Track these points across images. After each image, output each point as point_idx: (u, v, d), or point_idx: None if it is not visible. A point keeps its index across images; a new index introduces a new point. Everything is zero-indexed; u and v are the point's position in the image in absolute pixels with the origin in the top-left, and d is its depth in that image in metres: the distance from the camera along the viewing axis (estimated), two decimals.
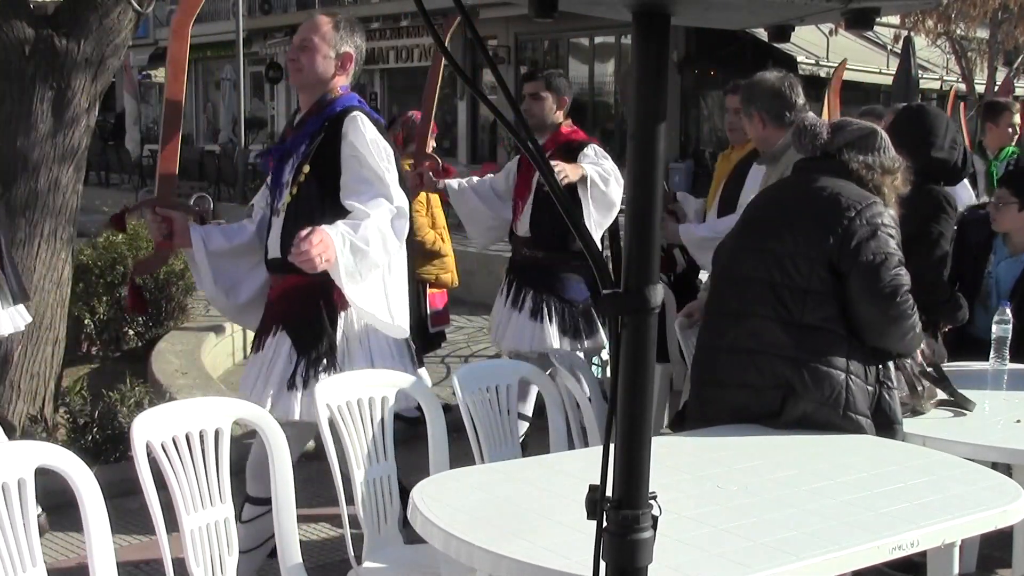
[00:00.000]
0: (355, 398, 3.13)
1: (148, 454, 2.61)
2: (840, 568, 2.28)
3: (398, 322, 3.45)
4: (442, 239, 5.96)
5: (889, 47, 20.07)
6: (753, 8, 1.43)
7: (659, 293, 1.46)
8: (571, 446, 3.58)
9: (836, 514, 2.46)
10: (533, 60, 24.68)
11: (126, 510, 3.97)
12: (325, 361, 3.47)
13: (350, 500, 3.06)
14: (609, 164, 4.70)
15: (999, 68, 18.18)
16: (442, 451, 3.24)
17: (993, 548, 4.05)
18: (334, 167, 3.45)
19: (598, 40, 22.86)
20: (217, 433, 2.77)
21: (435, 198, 5.93)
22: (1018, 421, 3.38)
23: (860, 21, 1.40)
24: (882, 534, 2.35)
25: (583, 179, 4.51)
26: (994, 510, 2.55)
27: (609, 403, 1.51)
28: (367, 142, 3.43)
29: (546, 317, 4.77)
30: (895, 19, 17.84)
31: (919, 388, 3.40)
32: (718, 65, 19.53)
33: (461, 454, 3.36)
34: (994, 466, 3.06)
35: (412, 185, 4.86)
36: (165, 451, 2.65)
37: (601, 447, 1.49)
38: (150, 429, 2.63)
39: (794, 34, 1.55)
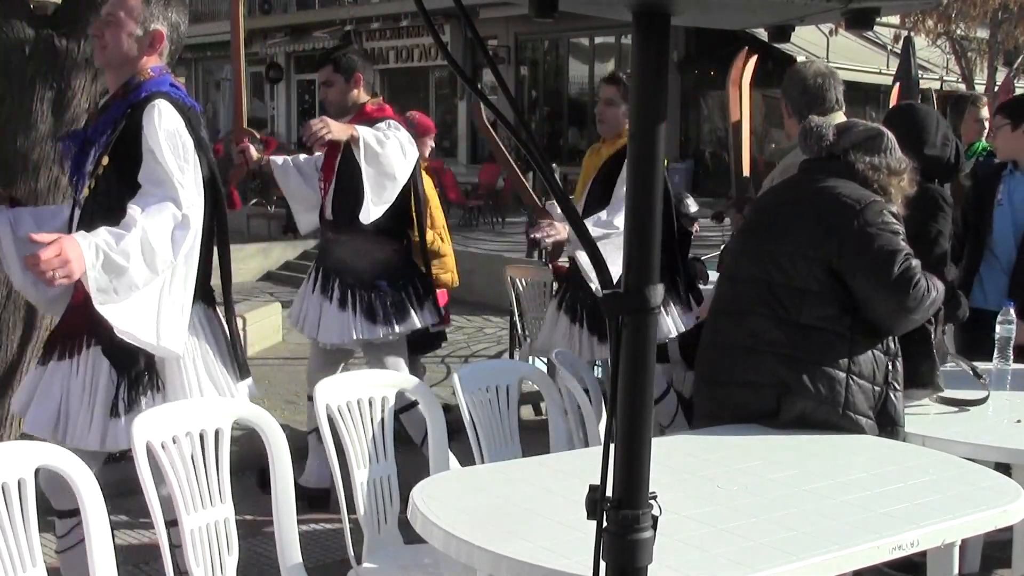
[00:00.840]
0: (355, 398, 3.14)
1: (148, 454, 2.61)
2: (840, 568, 2.28)
3: (165, 343, 3.06)
4: (441, 239, 5.95)
5: (889, 47, 20.06)
6: (753, 8, 1.43)
7: (659, 293, 1.46)
8: (571, 446, 3.58)
9: (836, 514, 2.46)
10: (533, 60, 24.70)
11: (126, 510, 3.97)
12: (147, 379, 3.16)
13: (350, 500, 3.06)
14: (399, 134, 4.47)
15: (999, 68, 18.19)
16: (442, 451, 3.25)
17: (993, 548, 4.05)
18: (135, 160, 3.12)
19: (598, 40, 22.86)
20: (217, 433, 2.77)
21: (433, 198, 5.93)
22: (1019, 421, 3.38)
23: (860, 21, 1.40)
24: (882, 534, 2.35)
25: (355, 140, 4.28)
26: (994, 510, 2.55)
27: (609, 403, 1.51)
28: (163, 135, 3.09)
29: (350, 305, 4.65)
30: (895, 19, 17.85)
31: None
32: (718, 65, 19.52)
33: (461, 454, 3.36)
34: (996, 466, 3.05)
35: (238, 163, 4.71)
36: (165, 451, 2.65)
37: (601, 447, 1.49)
38: (150, 429, 2.63)
39: (794, 34, 1.55)
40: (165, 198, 3.03)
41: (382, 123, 4.53)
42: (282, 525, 2.86)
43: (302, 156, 5.07)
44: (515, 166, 5.70)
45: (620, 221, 4.49)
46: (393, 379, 3.36)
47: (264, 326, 9.73)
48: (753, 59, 6.75)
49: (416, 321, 4.74)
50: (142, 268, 2.92)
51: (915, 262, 3.13)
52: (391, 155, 4.39)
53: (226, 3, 29.23)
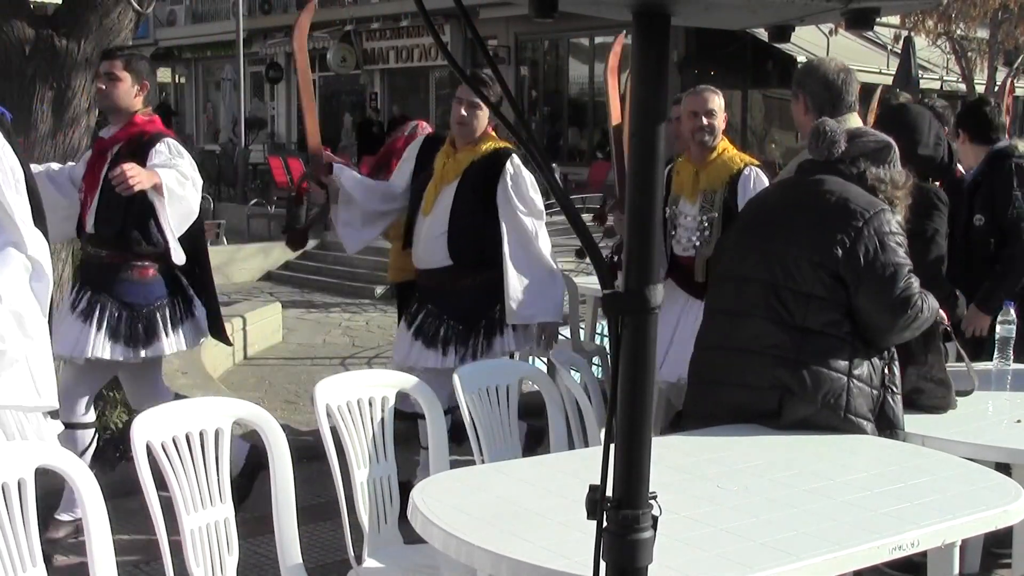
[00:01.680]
0: (355, 398, 3.13)
1: (148, 454, 2.61)
2: (840, 568, 2.28)
3: (45, 400, 2.89)
4: None
5: (889, 47, 20.06)
6: (753, 8, 1.43)
7: (659, 293, 1.46)
8: (571, 446, 3.58)
9: (836, 514, 2.46)
10: (533, 60, 24.70)
11: (126, 510, 3.96)
12: None
13: (350, 500, 3.06)
14: (185, 163, 4.26)
15: (999, 68, 18.19)
16: (442, 451, 3.25)
17: (993, 548, 4.05)
18: None
19: (598, 40, 22.83)
20: (217, 433, 2.77)
21: None
22: (1019, 421, 3.38)
23: (860, 21, 1.40)
24: (882, 534, 2.35)
25: (158, 188, 4.08)
26: (994, 510, 2.55)
27: (609, 403, 1.51)
28: None
29: (95, 321, 4.32)
30: (895, 19, 17.86)
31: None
32: (718, 65, 19.52)
33: (461, 454, 3.37)
34: (996, 466, 3.06)
35: None
36: (165, 451, 2.65)
37: (601, 447, 1.49)
38: (150, 429, 2.63)
39: (794, 34, 1.55)
40: (8, 243, 2.77)
41: (160, 144, 4.28)
42: (282, 525, 2.86)
43: (55, 165, 4.70)
44: (313, 104, 5.14)
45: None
46: (393, 379, 3.35)
47: (264, 326, 9.73)
48: (620, 37, 5.92)
49: (164, 347, 4.42)
50: (19, 340, 2.73)
51: (915, 281, 3.13)
52: (190, 194, 4.21)
53: (226, 3, 29.28)
